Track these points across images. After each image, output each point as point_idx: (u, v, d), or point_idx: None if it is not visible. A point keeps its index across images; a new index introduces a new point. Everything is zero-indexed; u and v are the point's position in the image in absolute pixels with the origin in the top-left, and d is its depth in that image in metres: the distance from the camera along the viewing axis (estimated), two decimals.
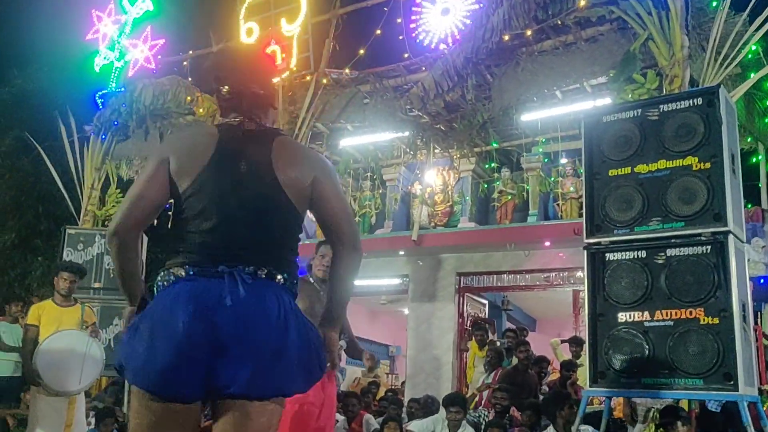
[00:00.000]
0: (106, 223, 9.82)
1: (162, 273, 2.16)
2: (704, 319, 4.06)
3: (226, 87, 2.25)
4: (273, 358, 2.02)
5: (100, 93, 10.44)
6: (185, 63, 10.30)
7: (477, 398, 7.95)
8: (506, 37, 7.27)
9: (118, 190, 10.05)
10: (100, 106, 10.28)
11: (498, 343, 9.01)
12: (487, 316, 11.35)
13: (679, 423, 5.01)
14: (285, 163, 2.19)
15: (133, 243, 2.21)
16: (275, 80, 2.47)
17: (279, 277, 2.15)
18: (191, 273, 2.08)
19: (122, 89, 10.19)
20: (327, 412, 4.34)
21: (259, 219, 2.15)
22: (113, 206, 9.86)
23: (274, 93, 2.40)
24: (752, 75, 6.63)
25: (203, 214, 2.13)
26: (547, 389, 7.96)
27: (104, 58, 10.56)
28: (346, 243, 2.28)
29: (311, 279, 4.45)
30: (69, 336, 5.69)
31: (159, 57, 10.40)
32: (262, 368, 2.00)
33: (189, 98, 9.43)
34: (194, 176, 2.14)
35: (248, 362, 1.99)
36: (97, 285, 8.80)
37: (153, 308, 2.11)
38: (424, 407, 7.36)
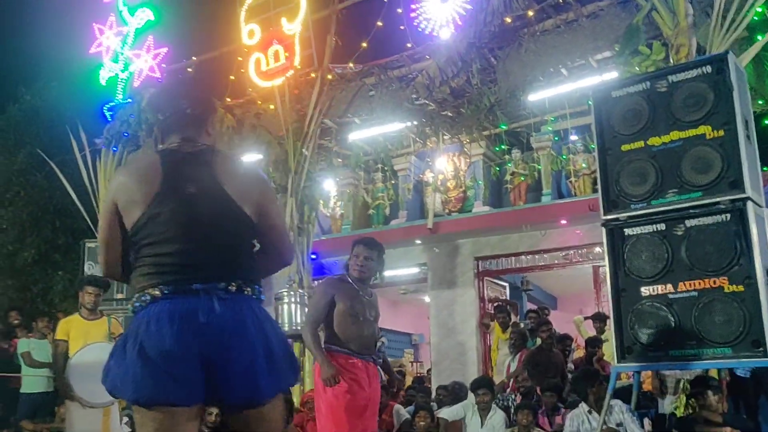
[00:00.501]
0: None
1: (137, 295, 2.26)
2: (729, 288, 4.05)
3: (159, 112, 2.40)
4: (263, 362, 2.18)
5: (108, 105, 10.51)
6: (189, 69, 10.34)
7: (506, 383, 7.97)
8: (508, 19, 7.25)
9: None
10: (109, 119, 10.34)
11: (521, 325, 9.02)
12: (508, 298, 11.37)
13: (710, 392, 5.01)
14: (231, 177, 2.31)
15: (124, 272, 2.42)
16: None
17: (247, 289, 2.28)
18: (166, 292, 2.19)
19: (129, 100, 10.25)
20: (372, 408, 4.37)
21: (219, 234, 2.26)
22: None
23: (204, 113, 2.47)
24: (760, 37, 6.55)
25: (165, 238, 2.22)
26: (573, 367, 7.97)
27: (109, 70, 10.61)
28: (277, 253, 2.46)
29: (349, 279, 4.43)
30: (98, 348, 5.76)
31: (163, 65, 10.44)
32: (254, 375, 2.16)
33: None
34: (147, 204, 2.23)
35: (239, 373, 2.15)
36: (120, 296, 8.88)
37: (135, 329, 2.20)
38: (453, 394, 7.40)
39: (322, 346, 4.29)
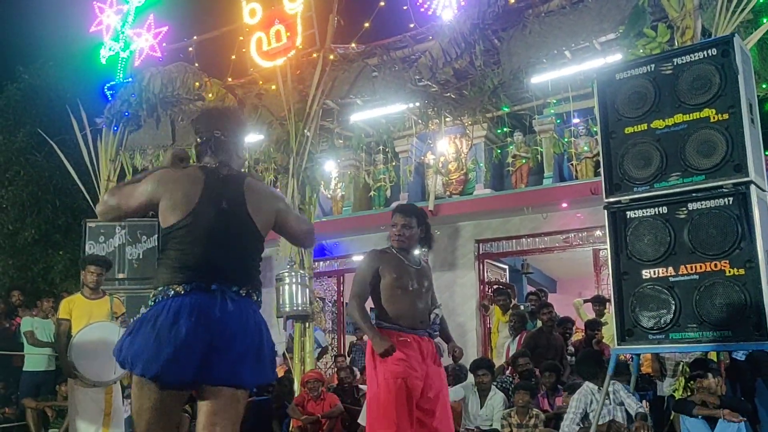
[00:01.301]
0: None
1: (161, 288, 2.65)
2: (730, 271, 4.07)
3: (198, 135, 2.92)
4: (253, 357, 2.66)
5: (108, 85, 10.45)
6: (191, 49, 10.27)
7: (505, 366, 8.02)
8: (512, 0, 7.19)
9: None
10: (110, 98, 10.29)
11: (521, 308, 9.06)
12: (508, 281, 11.40)
13: (709, 375, 5.04)
14: (253, 201, 2.82)
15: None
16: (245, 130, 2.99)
17: (253, 295, 2.77)
18: (188, 289, 2.62)
19: (130, 79, 10.19)
20: (432, 388, 4.01)
21: (238, 246, 2.77)
22: None
23: (235, 141, 2.95)
24: (765, 20, 6.51)
25: (197, 242, 2.68)
26: (573, 350, 8.01)
27: (110, 49, 10.54)
28: (300, 243, 3.24)
29: (393, 249, 4.17)
30: (101, 328, 5.80)
31: (164, 45, 10.37)
32: (241, 364, 2.62)
33: (197, 84, 9.42)
34: (187, 211, 2.70)
35: (236, 360, 2.60)
36: (121, 276, 8.91)
37: (155, 315, 2.59)
38: (453, 375, 7.43)
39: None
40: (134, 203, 2.76)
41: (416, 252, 4.29)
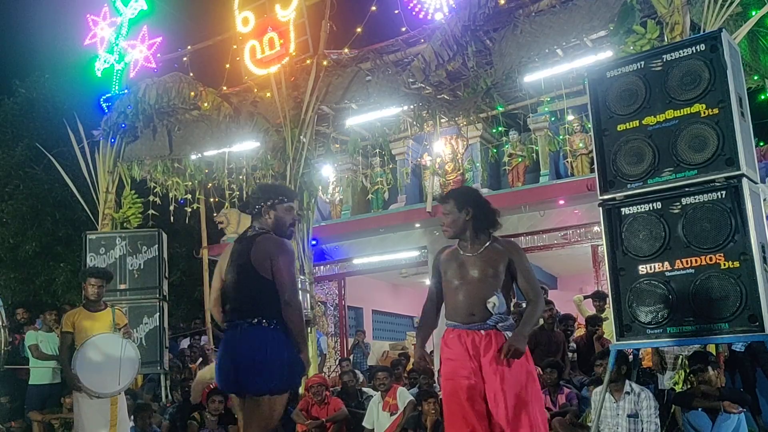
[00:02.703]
0: (125, 225, 9.94)
1: (225, 324, 3.78)
2: (725, 264, 4.11)
3: (250, 208, 3.88)
4: (255, 371, 3.53)
5: (104, 97, 10.49)
6: (185, 59, 10.31)
7: None
8: (502, 1, 7.24)
9: (133, 192, 10.15)
10: (106, 110, 10.33)
11: (522, 305, 9.08)
12: None
13: (708, 367, 5.08)
14: (255, 253, 3.69)
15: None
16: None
17: (265, 322, 3.61)
18: (226, 327, 3.76)
19: (126, 91, 10.23)
20: (490, 383, 3.58)
21: (245, 288, 3.70)
22: (130, 208, 9.98)
23: (264, 209, 3.81)
24: (754, 13, 6.56)
25: (227, 293, 3.80)
26: (575, 346, 8.04)
27: (104, 61, 10.57)
28: (282, 299, 3.68)
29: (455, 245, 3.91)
30: (104, 339, 5.83)
31: (158, 55, 10.41)
32: (250, 377, 3.55)
33: (193, 93, 9.47)
34: (223, 274, 3.84)
35: (244, 373, 3.55)
36: (122, 286, 8.95)
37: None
38: None
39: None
40: (216, 284, 3.90)
41: (480, 237, 3.81)
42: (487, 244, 3.79)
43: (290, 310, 3.62)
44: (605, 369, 5.51)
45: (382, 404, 7.07)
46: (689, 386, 5.22)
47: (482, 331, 3.64)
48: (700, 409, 5.07)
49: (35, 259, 15.30)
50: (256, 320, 3.59)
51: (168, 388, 8.69)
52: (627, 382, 5.27)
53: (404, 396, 7.08)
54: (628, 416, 5.24)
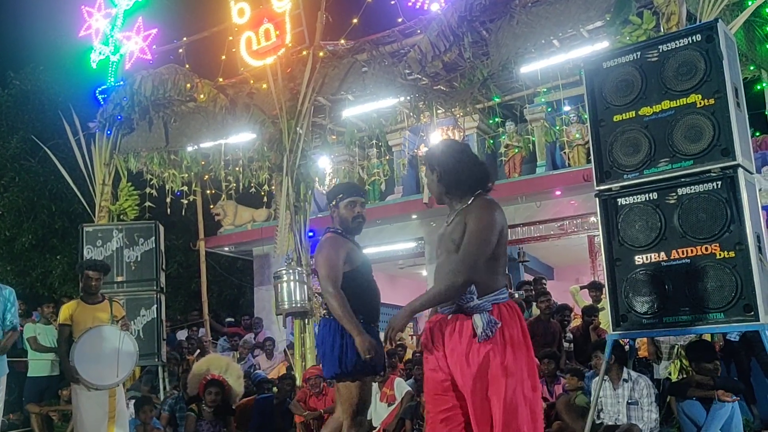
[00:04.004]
0: (122, 217, 9.93)
1: None
2: (720, 254, 4.13)
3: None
4: (324, 358, 4.04)
5: (100, 89, 10.45)
6: (181, 50, 10.27)
7: None
8: None
9: (130, 184, 10.14)
10: (102, 102, 10.30)
11: (516, 296, 9.12)
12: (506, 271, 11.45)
13: (715, 361, 5.09)
14: (315, 252, 4.38)
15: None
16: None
17: (327, 314, 4.05)
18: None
19: (121, 83, 10.19)
20: (459, 371, 2.97)
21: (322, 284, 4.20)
22: (126, 200, 9.96)
23: (331, 215, 4.32)
24: (750, 3, 6.55)
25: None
26: (572, 336, 8.08)
27: (100, 53, 10.53)
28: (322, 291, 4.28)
29: None
30: (101, 332, 5.85)
31: (154, 47, 10.37)
32: (323, 363, 4.08)
33: (189, 85, 9.44)
34: None
35: (321, 364, 4.15)
36: (120, 279, 8.94)
37: None
38: None
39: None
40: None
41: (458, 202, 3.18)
42: (459, 209, 3.13)
43: (326, 300, 3.94)
44: (601, 360, 5.56)
45: (380, 395, 7.10)
46: (684, 375, 5.25)
47: (449, 316, 3.06)
48: (694, 398, 5.11)
49: (31, 252, 15.29)
50: (324, 312, 4.09)
51: (166, 380, 8.70)
52: (625, 369, 5.30)
53: (401, 386, 7.11)
54: (628, 403, 5.28)
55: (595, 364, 5.80)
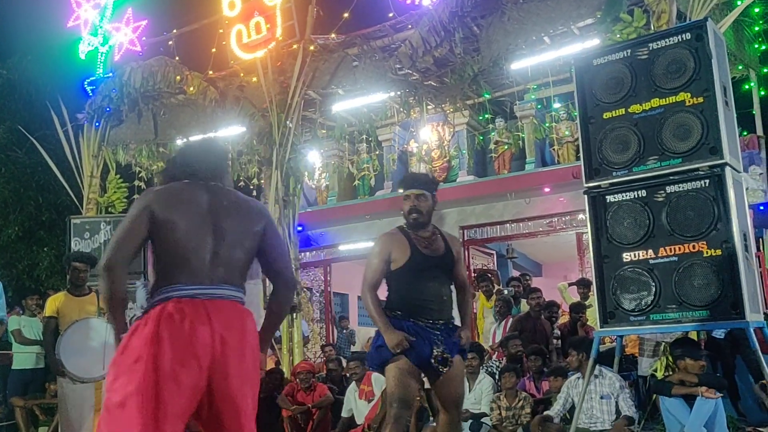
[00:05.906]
0: (110, 209, 9.87)
1: None
2: (707, 252, 4.16)
3: None
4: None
5: (88, 80, 10.38)
6: (170, 42, 10.21)
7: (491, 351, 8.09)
8: None
9: (118, 176, 10.07)
10: (90, 94, 10.22)
11: (505, 292, 9.14)
12: (495, 266, 11.49)
13: (689, 354, 5.12)
14: None
15: None
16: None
17: None
18: None
19: (110, 74, 10.12)
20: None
21: None
22: (114, 192, 9.90)
23: None
24: (739, 3, 6.59)
25: None
26: (559, 333, 8.10)
27: (88, 44, 10.45)
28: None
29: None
30: (88, 324, 5.80)
31: (143, 39, 10.31)
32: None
33: (178, 77, 9.38)
34: None
35: None
36: None
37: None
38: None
39: None
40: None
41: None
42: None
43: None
44: (578, 359, 5.60)
45: (358, 392, 7.08)
46: (669, 373, 5.27)
47: None
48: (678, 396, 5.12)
49: (17, 244, 15.14)
50: None
51: None
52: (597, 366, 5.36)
53: (380, 381, 7.09)
54: (601, 398, 5.38)
55: (569, 362, 5.85)
